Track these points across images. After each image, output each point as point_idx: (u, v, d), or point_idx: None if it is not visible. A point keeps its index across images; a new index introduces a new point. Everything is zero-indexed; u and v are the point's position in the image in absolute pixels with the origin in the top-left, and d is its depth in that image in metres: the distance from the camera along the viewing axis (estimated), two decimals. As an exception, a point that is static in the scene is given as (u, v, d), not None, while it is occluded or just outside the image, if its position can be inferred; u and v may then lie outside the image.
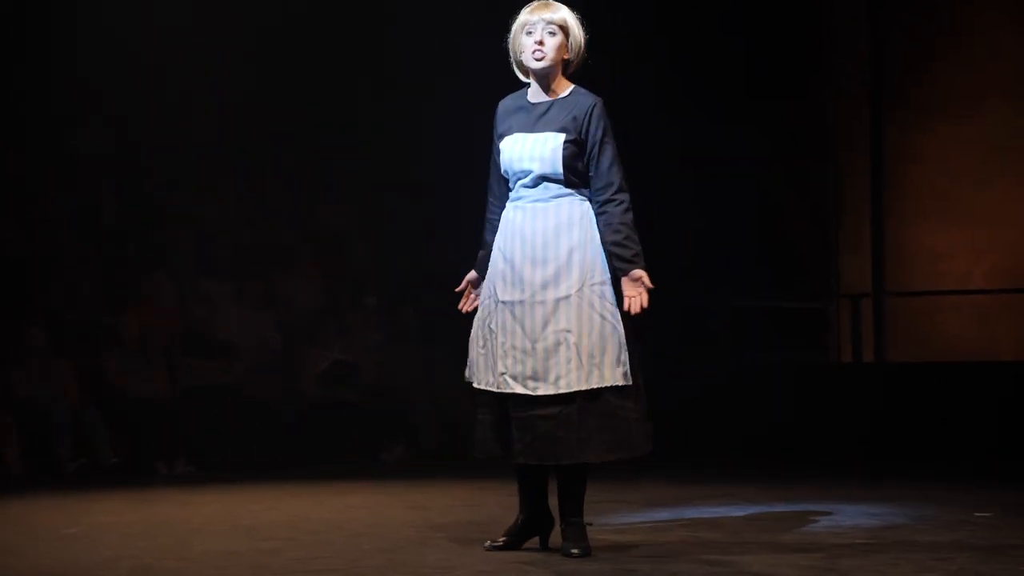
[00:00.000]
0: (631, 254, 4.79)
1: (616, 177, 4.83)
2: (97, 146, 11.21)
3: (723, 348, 10.41)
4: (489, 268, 4.98)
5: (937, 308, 10.73)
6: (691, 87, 10.70)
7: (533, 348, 4.80)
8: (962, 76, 10.72)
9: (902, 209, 10.95)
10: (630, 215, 4.82)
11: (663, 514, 6.29)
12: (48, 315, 9.50)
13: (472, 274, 5.07)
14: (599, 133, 4.83)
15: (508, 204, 4.96)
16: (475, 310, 5.03)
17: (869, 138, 11.02)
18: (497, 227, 4.98)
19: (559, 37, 4.87)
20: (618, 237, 4.80)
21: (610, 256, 4.82)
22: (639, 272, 4.77)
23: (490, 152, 5.03)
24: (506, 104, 5.01)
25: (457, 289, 5.09)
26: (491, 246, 4.99)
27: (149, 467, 9.06)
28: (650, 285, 4.76)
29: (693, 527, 5.80)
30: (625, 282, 4.78)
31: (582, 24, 4.93)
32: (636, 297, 4.75)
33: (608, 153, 4.83)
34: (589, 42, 4.95)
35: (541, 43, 4.85)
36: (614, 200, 4.81)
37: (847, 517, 6.06)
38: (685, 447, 9.41)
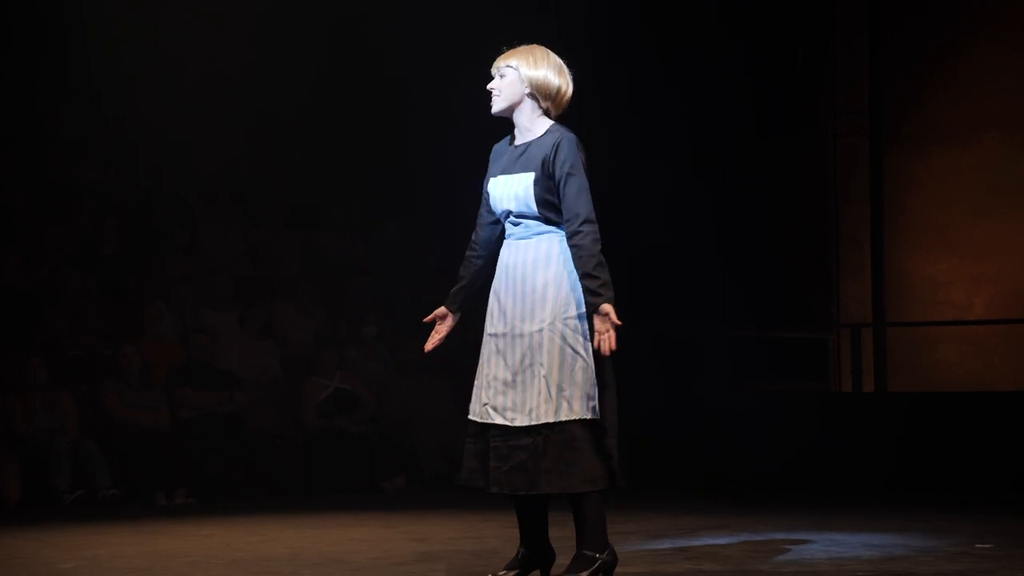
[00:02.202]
0: (597, 285, 4.78)
1: (583, 208, 4.84)
2: (98, 178, 11.25)
3: (723, 379, 10.40)
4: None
5: (937, 337, 10.73)
6: (689, 116, 10.73)
7: (513, 380, 4.88)
8: (961, 107, 10.75)
9: (902, 239, 10.96)
10: (598, 246, 4.82)
11: (664, 545, 6.28)
12: (49, 346, 9.50)
13: (441, 309, 5.12)
14: (565, 166, 4.87)
15: (504, 242, 5.04)
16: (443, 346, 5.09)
17: (868, 168, 11.04)
18: (474, 265, 5.09)
19: (507, 76, 4.97)
20: (587, 268, 4.81)
21: (583, 289, 4.84)
22: (606, 307, 4.75)
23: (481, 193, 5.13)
24: (497, 147, 5.13)
25: (425, 320, 5.12)
26: (465, 281, 5.09)
27: (148, 498, 9.04)
28: (617, 322, 4.74)
29: (695, 558, 5.80)
30: (596, 319, 4.78)
31: (554, 64, 4.97)
32: (605, 336, 4.74)
33: (574, 185, 4.86)
34: (579, 81, 5.00)
35: (491, 88, 4.99)
36: (580, 232, 4.83)
37: (848, 548, 6.05)
38: (685, 478, 9.41)
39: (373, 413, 10.24)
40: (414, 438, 10.10)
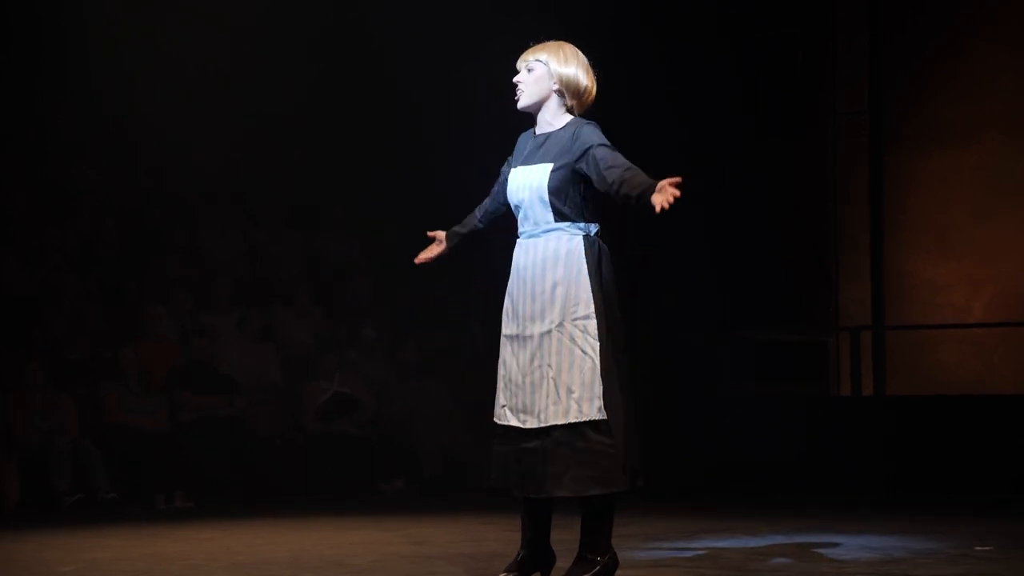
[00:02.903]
0: (651, 181, 4.69)
1: (622, 160, 4.80)
2: (98, 178, 11.24)
3: (723, 382, 10.40)
4: None
5: (936, 340, 10.72)
6: (689, 116, 10.72)
7: (523, 381, 4.86)
8: (961, 107, 10.75)
9: (902, 240, 10.96)
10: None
11: (663, 547, 6.28)
12: (48, 349, 9.49)
13: (441, 233, 5.26)
14: (591, 140, 4.84)
15: (517, 243, 5.03)
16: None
17: (868, 169, 11.03)
18: (472, 223, 5.22)
19: (535, 70, 4.94)
20: (642, 178, 4.73)
21: (639, 197, 4.71)
22: (660, 182, 4.66)
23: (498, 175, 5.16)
24: (522, 137, 5.11)
25: (429, 233, 5.27)
26: (463, 229, 5.22)
27: (148, 501, 9.04)
28: (676, 179, 4.63)
29: (694, 561, 5.79)
30: (654, 196, 4.67)
31: (583, 63, 4.96)
32: (667, 195, 4.63)
33: (605, 150, 4.81)
34: (600, 79, 4.97)
35: (518, 82, 4.96)
36: (628, 173, 4.75)
37: (848, 550, 6.04)
38: (685, 481, 9.40)
39: (373, 415, 10.24)
40: (414, 440, 10.09)
